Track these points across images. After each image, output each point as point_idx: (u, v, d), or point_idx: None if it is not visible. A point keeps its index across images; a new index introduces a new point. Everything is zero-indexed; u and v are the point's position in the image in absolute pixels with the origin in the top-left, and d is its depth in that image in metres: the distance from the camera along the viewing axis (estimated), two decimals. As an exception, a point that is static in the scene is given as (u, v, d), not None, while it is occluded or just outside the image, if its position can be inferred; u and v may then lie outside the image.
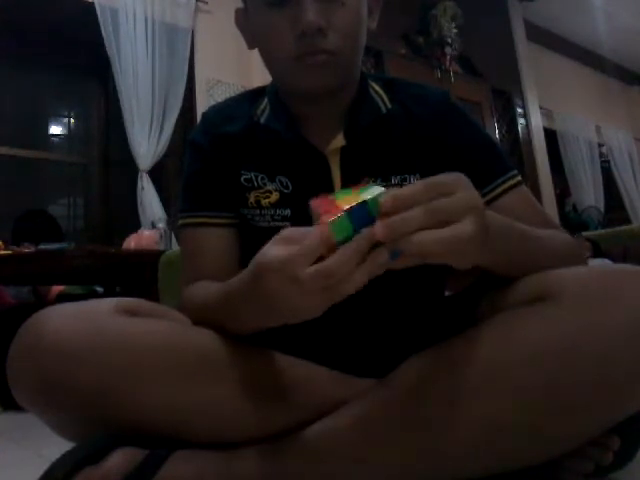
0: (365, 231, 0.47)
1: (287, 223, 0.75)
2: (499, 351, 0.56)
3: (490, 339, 0.58)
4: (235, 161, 0.79)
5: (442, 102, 0.80)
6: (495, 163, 0.78)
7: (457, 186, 0.50)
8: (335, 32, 0.70)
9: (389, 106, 0.79)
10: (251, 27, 0.78)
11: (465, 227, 0.48)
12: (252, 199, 0.78)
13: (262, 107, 0.81)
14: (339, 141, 0.76)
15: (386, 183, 0.76)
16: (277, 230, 0.53)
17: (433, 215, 0.48)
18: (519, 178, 0.77)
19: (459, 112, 0.81)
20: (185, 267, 0.80)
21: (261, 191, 0.77)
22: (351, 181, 0.76)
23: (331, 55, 0.70)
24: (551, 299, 0.56)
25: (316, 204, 0.51)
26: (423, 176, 0.76)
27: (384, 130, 0.78)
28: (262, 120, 0.79)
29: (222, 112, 0.84)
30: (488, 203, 0.74)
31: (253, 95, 0.84)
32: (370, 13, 0.77)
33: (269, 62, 0.75)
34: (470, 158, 0.77)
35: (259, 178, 0.78)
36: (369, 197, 0.48)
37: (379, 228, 0.47)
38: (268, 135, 0.78)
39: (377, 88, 0.81)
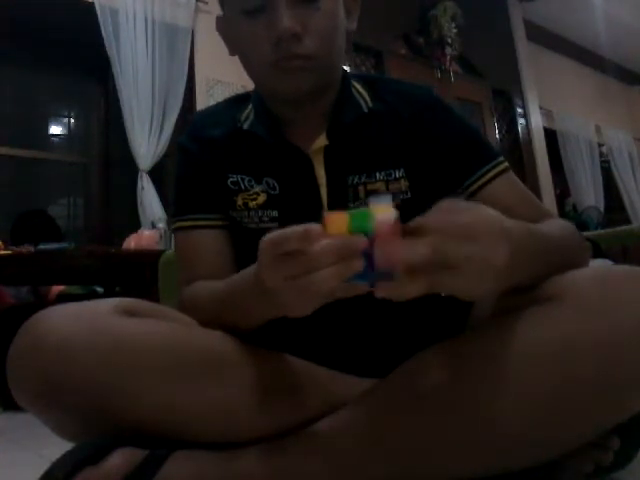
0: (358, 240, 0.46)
1: (275, 224, 0.76)
2: (500, 352, 0.56)
3: (491, 340, 0.58)
4: (221, 164, 0.80)
5: (425, 97, 0.81)
6: (480, 152, 0.78)
7: (475, 235, 0.48)
8: (311, 37, 0.70)
9: (370, 105, 0.79)
10: (229, 34, 0.78)
11: (472, 285, 0.48)
12: (240, 202, 0.78)
13: (246, 112, 0.81)
14: (322, 141, 0.77)
15: (371, 179, 0.76)
16: (265, 231, 0.53)
17: (441, 259, 0.47)
18: (506, 164, 0.77)
19: (442, 106, 0.81)
20: (181, 270, 0.81)
21: (248, 193, 0.78)
22: (336, 180, 0.76)
23: (307, 60, 0.70)
24: (555, 301, 0.56)
25: (328, 218, 0.49)
26: (408, 170, 0.77)
27: (366, 128, 0.78)
28: (245, 126, 0.80)
29: (209, 117, 0.85)
30: (476, 192, 0.75)
31: (239, 100, 0.85)
32: (349, 14, 0.78)
33: (248, 68, 0.76)
34: (455, 149, 0.77)
35: (246, 181, 0.79)
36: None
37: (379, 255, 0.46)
38: (253, 140, 0.79)
39: (359, 87, 0.81)
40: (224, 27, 0.80)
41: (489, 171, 0.76)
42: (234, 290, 0.64)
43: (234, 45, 0.78)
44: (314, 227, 0.48)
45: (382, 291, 0.47)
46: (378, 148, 0.78)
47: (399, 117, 0.79)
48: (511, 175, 0.77)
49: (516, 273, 0.53)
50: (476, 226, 0.48)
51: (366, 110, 0.79)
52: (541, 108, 4.88)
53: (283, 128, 0.78)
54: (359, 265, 0.47)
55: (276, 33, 0.68)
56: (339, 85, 0.79)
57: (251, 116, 0.81)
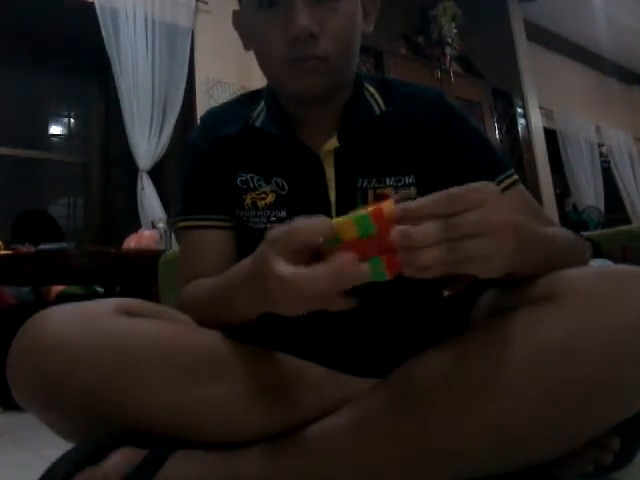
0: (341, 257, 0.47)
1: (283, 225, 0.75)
2: (500, 351, 0.56)
3: (492, 339, 0.58)
4: (231, 163, 0.79)
5: (437, 102, 0.80)
6: (491, 162, 0.78)
7: (482, 199, 0.48)
8: (327, 38, 0.70)
9: (383, 108, 0.79)
10: (246, 29, 0.78)
11: (487, 245, 0.48)
12: (248, 201, 0.78)
13: (258, 110, 0.81)
14: (333, 143, 0.76)
15: (381, 184, 0.76)
16: None
17: (452, 232, 0.47)
18: (516, 177, 0.77)
19: (454, 112, 0.81)
20: (182, 269, 0.81)
21: (257, 193, 0.78)
22: (345, 182, 0.76)
23: (322, 61, 0.70)
24: (554, 300, 0.56)
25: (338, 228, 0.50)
26: (418, 177, 0.77)
27: (378, 131, 0.78)
28: (257, 123, 0.80)
29: (219, 115, 0.84)
30: None
31: (250, 97, 0.85)
32: (366, 16, 0.78)
33: (263, 65, 0.76)
34: (466, 158, 0.77)
35: (255, 180, 0.78)
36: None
37: (396, 234, 0.46)
38: (264, 138, 0.79)
39: (372, 90, 0.81)
40: (240, 22, 0.80)
41: (500, 182, 0.75)
42: (228, 283, 0.64)
43: (249, 41, 0.78)
44: (324, 226, 0.50)
45: (408, 269, 0.48)
46: (389, 153, 0.77)
47: (411, 122, 0.79)
48: (520, 187, 0.77)
49: (519, 264, 0.54)
50: (479, 194, 0.48)
51: (378, 113, 0.79)
52: (541, 108, 4.88)
53: (295, 127, 0.78)
54: (363, 270, 0.48)
55: (292, 32, 0.68)
56: (352, 86, 0.79)
57: (263, 113, 0.80)
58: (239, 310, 0.63)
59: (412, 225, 0.47)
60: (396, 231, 0.46)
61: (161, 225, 2.59)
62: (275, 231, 0.53)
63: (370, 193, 0.76)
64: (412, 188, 0.77)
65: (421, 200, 0.48)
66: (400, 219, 0.47)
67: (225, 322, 0.66)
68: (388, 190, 0.76)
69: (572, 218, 4.88)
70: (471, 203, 0.48)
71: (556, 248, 0.64)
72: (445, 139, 0.78)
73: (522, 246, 0.51)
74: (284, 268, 0.50)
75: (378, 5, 0.80)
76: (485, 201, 0.48)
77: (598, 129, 5.55)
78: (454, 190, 0.48)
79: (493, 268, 0.49)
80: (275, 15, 0.70)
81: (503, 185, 0.75)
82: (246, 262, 0.60)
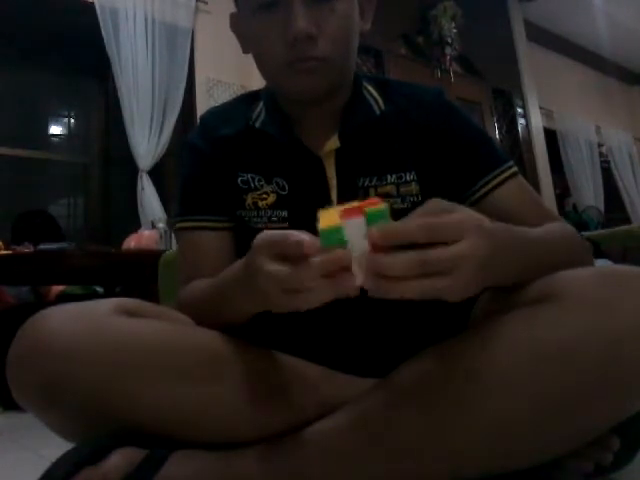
0: (339, 252, 0.46)
1: (285, 224, 0.76)
2: (500, 352, 0.56)
3: (491, 340, 0.58)
4: (232, 163, 0.80)
5: (436, 100, 0.81)
6: (490, 156, 0.78)
7: (459, 233, 0.48)
8: (325, 38, 0.70)
9: (383, 107, 0.79)
10: (244, 32, 0.78)
11: (456, 282, 0.47)
12: (249, 201, 0.78)
13: (258, 111, 0.81)
14: (334, 143, 0.77)
15: (382, 182, 0.76)
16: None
17: (425, 266, 0.46)
18: (515, 169, 0.77)
19: (452, 109, 0.81)
20: (182, 270, 0.81)
21: (258, 193, 0.78)
22: (346, 181, 0.76)
23: (321, 61, 0.71)
24: (553, 300, 0.56)
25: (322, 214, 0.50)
26: (419, 173, 0.77)
27: (378, 131, 0.78)
28: (257, 124, 0.80)
29: (219, 115, 0.85)
30: (486, 194, 0.75)
31: (249, 98, 0.85)
32: (362, 15, 0.78)
33: (262, 67, 0.76)
34: (465, 153, 0.77)
35: (256, 180, 0.78)
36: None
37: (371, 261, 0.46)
38: (264, 138, 0.79)
39: (371, 89, 0.81)
40: (238, 25, 0.80)
41: (499, 175, 0.76)
42: (223, 283, 0.65)
43: (248, 43, 0.78)
44: (309, 240, 0.48)
45: (374, 292, 0.47)
46: (389, 151, 0.78)
47: (411, 120, 0.79)
48: (520, 179, 0.78)
49: (499, 270, 0.53)
50: (459, 226, 0.48)
51: (378, 113, 0.79)
52: (541, 108, 4.88)
53: (294, 127, 0.78)
54: (352, 282, 0.47)
55: (291, 34, 0.68)
56: (351, 86, 0.79)
57: (262, 114, 0.81)
58: (235, 308, 0.63)
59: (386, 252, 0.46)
60: (371, 259, 0.46)
61: (161, 225, 2.59)
62: (263, 235, 0.54)
63: (372, 192, 0.76)
64: (414, 184, 0.77)
65: (402, 225, 0.47)
66: (380, 242, 0.46)
67: (222, 321, 0.66)
68: (389, 187, 0.76)
69: (572, 218, 4.87)
70: (451, 235, 0.47)
71: (546, 251, 0.63)
72: (444, 136, 0.78)
73: (496, 259, 0.51)
74: (270, 265, 0.51)
75: (374, 2, 0.80)
76: (464, 234, 0.48)
77: (598, 129, 5.55)
78: (437, 221, 0.48)
79: (459, 298, 0.49)
80: (273, 17, 0.70)
81: (502, 177, 0.76)
82: (240, 262, 0.60)
